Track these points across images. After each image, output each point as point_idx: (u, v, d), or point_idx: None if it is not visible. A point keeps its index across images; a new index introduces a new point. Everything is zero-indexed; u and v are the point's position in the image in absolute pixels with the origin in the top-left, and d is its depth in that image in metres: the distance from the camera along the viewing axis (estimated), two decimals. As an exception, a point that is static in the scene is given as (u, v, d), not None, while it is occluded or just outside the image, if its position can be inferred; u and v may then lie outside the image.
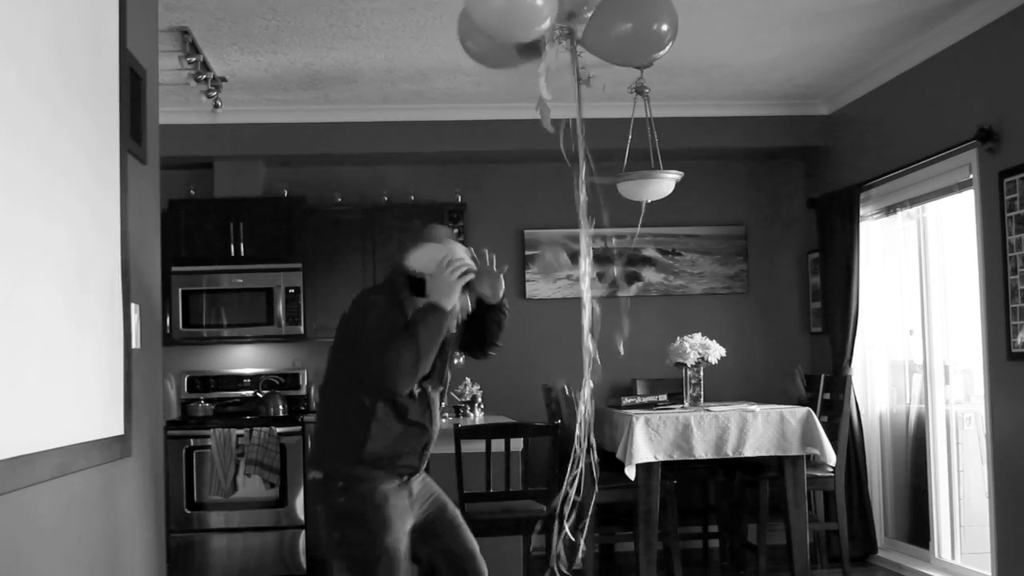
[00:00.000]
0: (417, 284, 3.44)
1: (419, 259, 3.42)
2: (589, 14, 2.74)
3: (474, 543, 3.62)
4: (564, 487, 2.72)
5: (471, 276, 3.39)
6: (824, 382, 6.51)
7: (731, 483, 6.56)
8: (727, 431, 5.64)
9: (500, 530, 4.95)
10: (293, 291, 6.81)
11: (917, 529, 6.49)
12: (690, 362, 6.05)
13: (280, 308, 6.80)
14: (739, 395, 7.21)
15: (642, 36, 2.76)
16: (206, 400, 7.03)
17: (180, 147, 6.52)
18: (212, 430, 6.46)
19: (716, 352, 6.06)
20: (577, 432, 2.73)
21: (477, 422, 5.89)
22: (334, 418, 3.49)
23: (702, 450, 5.61)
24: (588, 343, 2.64)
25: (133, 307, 3.23)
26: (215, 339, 6.98)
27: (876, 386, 6.87)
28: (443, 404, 3.66)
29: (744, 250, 7.63)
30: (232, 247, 6.93)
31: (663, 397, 6.21)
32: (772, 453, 5.70)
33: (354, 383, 3.42)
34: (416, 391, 3.43)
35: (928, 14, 5.48)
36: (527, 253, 7.47)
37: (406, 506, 3.47)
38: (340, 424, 3.46)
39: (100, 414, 2.86)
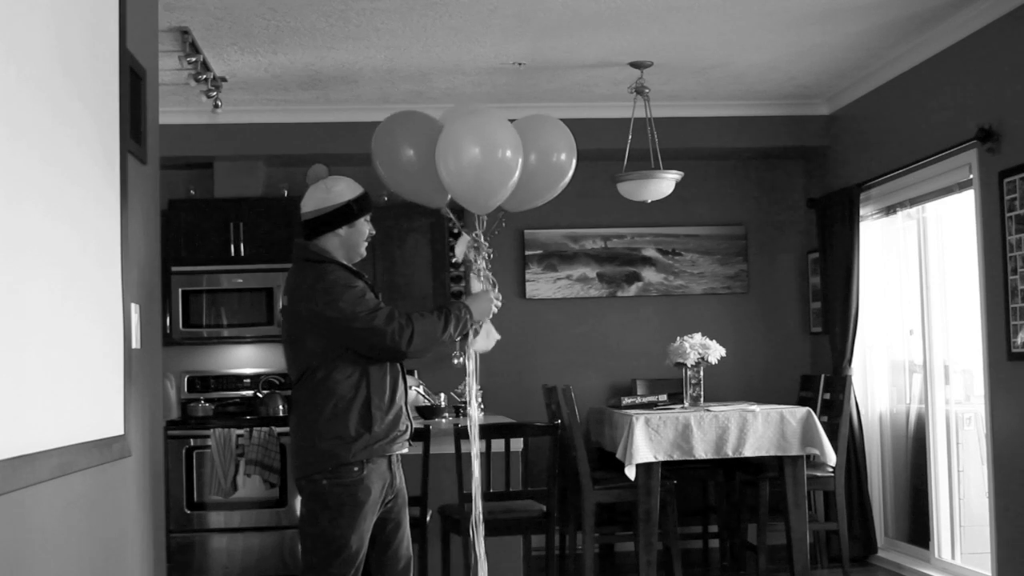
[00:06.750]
0: (312, 228, 3.57)
1: (308, 203, 3.61)
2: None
3: None
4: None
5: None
6: (824, 382, 6.51)
7: (731, 483, 6.56)
8: (727, 431, 5.64)
9: (500, 530, 4.94)
10: (293, 291, 6.80)
11: (917, 529, 6.48)
12: (690, 362, 6.05)
13: (280, 308, 6.79)
14: (739, 395, 7.21)
15: None
16: (206, 400, 7.02)
17: (180, 147, 6.52)
18: (212, 430, 6.45)
19: (716, 352, 6.06)
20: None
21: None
22: (325, 405, 3.47)
23: (702, 450, 5.61)
24: None
25: (133, 307, 3.23)
26: (215, 339, 6.97)
27: (876, 386, 6.87)
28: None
29: (744, 250, 7.63)
30: (232, 247, 6.92)
31: (663, 397, 6.21)
32: (772, 453, 5.71)
33: (345, 363, 3.46)
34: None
35: (928, 14, 5.48)
36: (527, 253, 7.47)
37: (379, 500, 3.49)
38: (337, 408, 3.46)
39: (100, 414, 2.86)
